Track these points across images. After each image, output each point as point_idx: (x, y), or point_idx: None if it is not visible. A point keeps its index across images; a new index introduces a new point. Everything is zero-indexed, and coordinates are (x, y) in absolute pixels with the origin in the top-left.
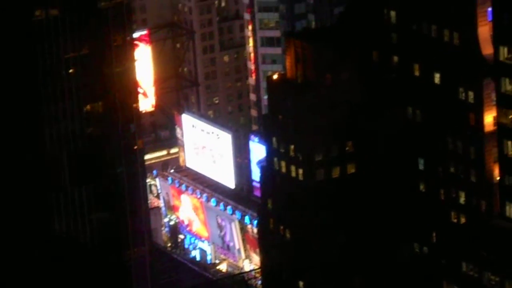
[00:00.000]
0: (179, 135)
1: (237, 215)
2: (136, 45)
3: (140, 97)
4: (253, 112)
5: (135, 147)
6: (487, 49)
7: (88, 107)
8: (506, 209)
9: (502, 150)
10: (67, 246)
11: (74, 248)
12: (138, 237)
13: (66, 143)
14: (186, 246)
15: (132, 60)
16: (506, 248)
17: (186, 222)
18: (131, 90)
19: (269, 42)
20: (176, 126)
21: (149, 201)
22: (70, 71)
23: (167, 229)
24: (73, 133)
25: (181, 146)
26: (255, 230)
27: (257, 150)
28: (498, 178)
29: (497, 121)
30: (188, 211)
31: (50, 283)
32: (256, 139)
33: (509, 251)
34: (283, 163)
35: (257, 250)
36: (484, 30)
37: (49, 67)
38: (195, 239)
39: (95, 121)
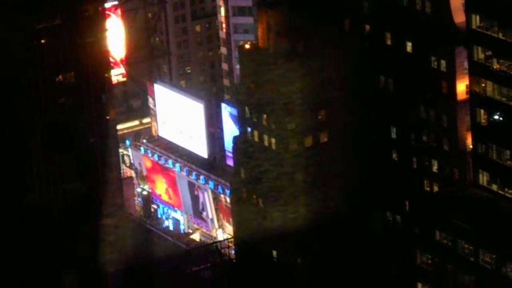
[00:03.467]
0: (151, 105)
1: (210, 184)
2: (108, 15)
3: (112, 67)
4: (226, 82)
5: (107, 117)
6: (459, 17)
7: (60, 77)
8: (479, 177)
9: (474, 118)
10: (39, 215)
11: (46, 217)
12: (111, 207)
13: (38, 113)
14: (159, 216)
15: (103, 30)
16: (479, 216)
17: (158, 192)
18: (102, 61)
19: (241, 11)
20: (148, 96)
21: (122, 171)
22: (42, 41)
23: (140, 199)
24: (45, 103)
25: (153, 116)
26: (228, 199)
27: (230, 120)
28: (471, 147)
29: (470, 90)
30: (160, 181)
31: (20, 251)
32: (229, 108)
33: (483, 220)
34: (255, 133)
35: (230, 219)
36: None
37: (22, 38)
38: (168, 209)
39: (67, 91)
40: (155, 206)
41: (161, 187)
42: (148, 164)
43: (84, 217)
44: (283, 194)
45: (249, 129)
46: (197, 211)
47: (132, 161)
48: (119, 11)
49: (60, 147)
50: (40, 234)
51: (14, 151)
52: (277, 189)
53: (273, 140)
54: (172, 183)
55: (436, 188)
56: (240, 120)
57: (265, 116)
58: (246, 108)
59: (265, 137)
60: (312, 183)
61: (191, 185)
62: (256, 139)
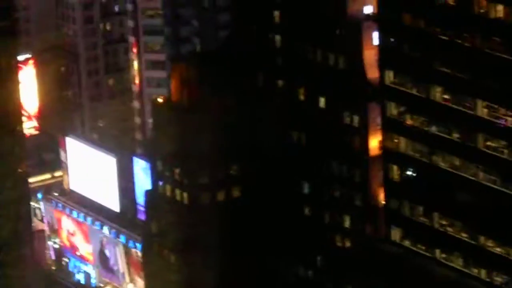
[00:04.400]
0: (63, 158)
1: (122, 238)
2: (20, 67)
3: (24, 119)
4: (138, 135)
5: (19, 171)
6: (373, 73)
7: None
8: (391, 233)
9: (387, 174)
10: None
11: None
12: (21, 260)
13: None
14: (70, 269)
15: (16, 83)
16: (391, 272)
17: (69, 245)
18: (15, 113)
19: (154, 65)
20: (60, 149)
21: (33, 224)
22: None
23: (51, 252)
24: None
25: (65, 169)
26: (140, 253)
27: (141, 174)
28: (383, 202)
29: (382, 145)
30: (71, 235)
31: None
32: (141, 162)
33: (394, 275)
34: (168, 187)
35: (142, 273)
36: (370, 54)
37: None
38: (79, 263)
39: None
40: (66, 260)
41: (71, 241)
42: (60, 217)
43: None
44: (194, 248)
45: (160, 183)
46: (108, 265)
47: (43, 214)
48: (31, 63)
49: None
50: None
51: None
52: (188, 243)
53: (185, 195)
54: (84, 237)
55: (348, 244)
56: (152, 174)
57: (177, 170)
58: (158, 162)
59: (177, 191)
60: (224, 238)
61: (102, 239)
62: (168, 193)
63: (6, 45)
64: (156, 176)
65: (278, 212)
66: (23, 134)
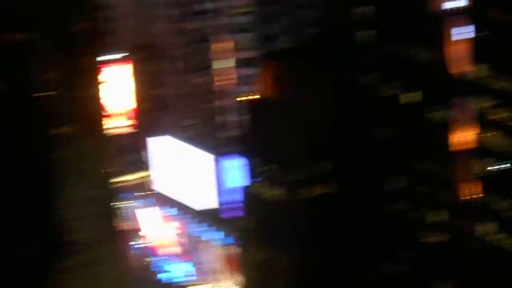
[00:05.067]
0: (149, 158)
1: (215, 236)
2: (106, 67)
3: (110, 119)
4: (228, 133)
5: (104, 171)
6: (458, 67)
7: (57, 130)
8: (483, 228)
9: (477, 169)
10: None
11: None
12: (107, 259)
13: (33, 168)
14: (156, 268)
15: (100, 83)
16: (483, 267)
17: (157, 244)
18: (100, 114)
19: (244, 63)
20: (147, 149)
21: (118, 224)
22: (39, 95)
23: (136, 252)
24: (41, 157)
25: (152, 168)
26: (235, 250)
27: (234, 171)
28: (473, 197)
29: (473, 140)
30: (158, 233)
31: None
32: (233, 160)
33: (486, 271)
34: (264, 183)
35: (238, 270)
36: (456, 49)
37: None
38: (167, 261)
39: (64, 145)
40: (152, 259)
41: (158, 239)
42: (145, 217)
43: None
44: (290, 243)
45: (257, 180)
46: (202, 263)
47: (128, 214)
48: (122, 63)
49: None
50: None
51: (9, 202)
52: (285, 239)
53: (281, 191)
54: (171, 235)
55: (439, 239)
56: (249, 171)
57: (273, 166)
58: (254, 159)
59: (274, 188)
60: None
61: (192, 237)
62: (265, 189)
63: (89, 46)
64: (252, 173)
65: (369, 208)
66: (107, 134)
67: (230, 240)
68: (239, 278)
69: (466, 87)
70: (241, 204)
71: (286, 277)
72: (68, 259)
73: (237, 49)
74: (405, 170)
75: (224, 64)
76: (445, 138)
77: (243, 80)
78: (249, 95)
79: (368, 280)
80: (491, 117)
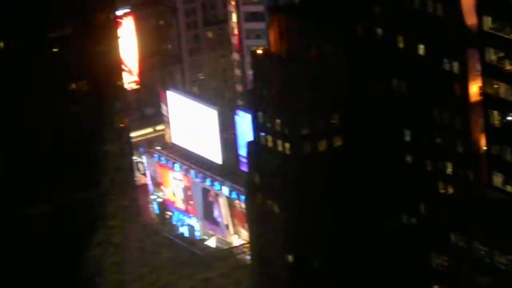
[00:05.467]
0: (164, 112)
1: (225, 190)
2: (119, 22)
3: (125, 74)
4: (238, 87)
5: (121, 125)
6: (471, 19)
7: (73, 85)
8: (493, 179)
9: (488, 120)
10: (48, 225)
11: (56, 227)
12: (126, 215)
13: (50, 121)
14: (174, 222)
15: (115, 38)
16: (494, 218)
17: (173, 199)
18: (115, 68)
19: (253, 16)
20: (161, 103)
21: (136, 179)
22: (54, 50)
23: (154, 206)
24: (58, 111)
25: (166, 122)
26: (243, 205)
27: (243, 125)
28: (484, 148)
29: (483, 91)
30: (175, 188)
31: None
32: (242, 114)
33: (497, 221)
34: (269, 138)
35: (245, 225)
36: (468, 0)
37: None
38: (183, 216)
39: (80, 99)
40: (170, 213)
41: (175, 194)
42: (162, 171)
43: (97, 227)
44: (296, 198)
45: (262, 134)
46: (212, 217)
47: (146, 168)
48: (130, 18)
49: (74, 157)
50: (48, 245)
51: (24, 160)
52: (291, 193)
53: (286, 145)
54: (187, 190)
55: (450, 190)
56: (254, 125)
57: (278, 121)
58: (259, 113)
59: (279, 142)
60: (326, 187)
61: (205, 192)
62: (270, 143)
63: (105, 1)
64: (257, 127)
65: (380, 161)
66: (124, 89)
67: (240, 194)
68: (247, 233)
69: (479, 39)
70: (247, 159)
71: (293, 232)
72: (87, 214)
73: (245, 2)
74: (418, 122)
75: (235, 18)
76: (459, 90)
77: (252, 34)
78: (257, 49)
79: (382, 233)
80: (506, 68)
